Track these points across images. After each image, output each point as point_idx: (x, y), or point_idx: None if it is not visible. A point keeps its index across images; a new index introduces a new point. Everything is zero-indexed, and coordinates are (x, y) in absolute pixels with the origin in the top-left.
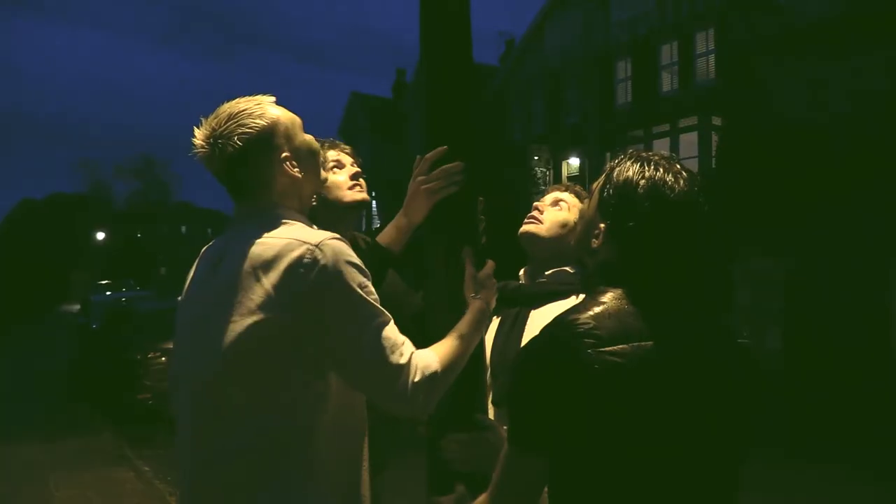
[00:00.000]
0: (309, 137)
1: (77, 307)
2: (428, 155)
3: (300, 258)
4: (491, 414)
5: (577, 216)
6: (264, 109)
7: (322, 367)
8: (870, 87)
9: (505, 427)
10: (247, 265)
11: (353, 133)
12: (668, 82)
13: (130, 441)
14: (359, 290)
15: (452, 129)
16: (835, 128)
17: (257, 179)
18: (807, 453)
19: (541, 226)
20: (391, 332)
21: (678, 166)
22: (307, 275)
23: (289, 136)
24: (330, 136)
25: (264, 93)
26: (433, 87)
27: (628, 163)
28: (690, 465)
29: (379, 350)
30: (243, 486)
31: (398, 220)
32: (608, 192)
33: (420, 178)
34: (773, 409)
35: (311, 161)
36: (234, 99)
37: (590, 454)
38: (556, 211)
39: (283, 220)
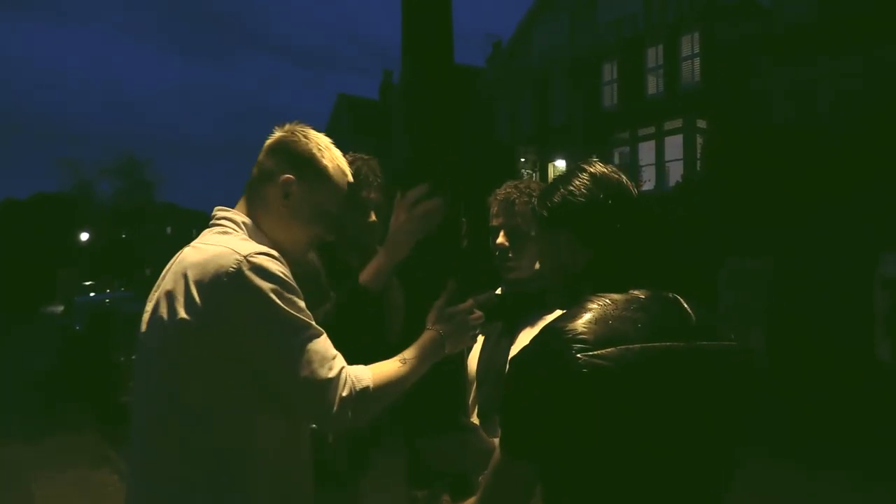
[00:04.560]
0: (331, 211)
1: (61, 308)
2: (409, 193)
3: (226, 268)
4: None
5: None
6: (332, 153)
7: (250, 379)
8: (853, 89)
9: (488, 434)
10: (182, 269)
11: (339, 134)
12: (653, 85)
13: (113, 442)
14: (282, 303)
15: (433, 130)
16: (819, 130)
17: (262, 178)
18: (790, 452)
19: (520, 266)
20: (320, 345)
21: (599, 163)
22: (229, 285)
23: (312, 179)
24: None
25: (250, 92)
26: (414, 87)
27: (567, 175)
28: (683, 466)
29: (306, 363)
30: (177, 491)
31: (378, 260)
32: (560, 203)
33: (402, 217)
34: (757, 408)
35: (304, 215)
36: (220, 99)
37: (583, 458)
38: (521, 243)
39: (233, 231)
